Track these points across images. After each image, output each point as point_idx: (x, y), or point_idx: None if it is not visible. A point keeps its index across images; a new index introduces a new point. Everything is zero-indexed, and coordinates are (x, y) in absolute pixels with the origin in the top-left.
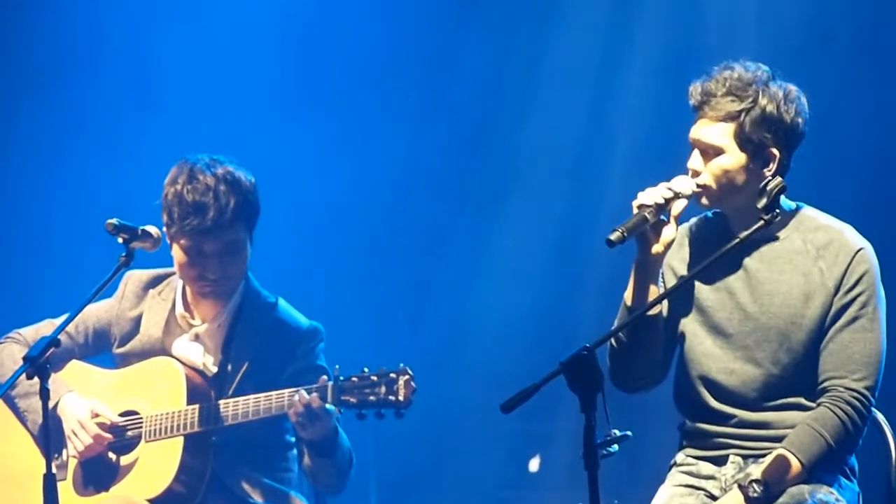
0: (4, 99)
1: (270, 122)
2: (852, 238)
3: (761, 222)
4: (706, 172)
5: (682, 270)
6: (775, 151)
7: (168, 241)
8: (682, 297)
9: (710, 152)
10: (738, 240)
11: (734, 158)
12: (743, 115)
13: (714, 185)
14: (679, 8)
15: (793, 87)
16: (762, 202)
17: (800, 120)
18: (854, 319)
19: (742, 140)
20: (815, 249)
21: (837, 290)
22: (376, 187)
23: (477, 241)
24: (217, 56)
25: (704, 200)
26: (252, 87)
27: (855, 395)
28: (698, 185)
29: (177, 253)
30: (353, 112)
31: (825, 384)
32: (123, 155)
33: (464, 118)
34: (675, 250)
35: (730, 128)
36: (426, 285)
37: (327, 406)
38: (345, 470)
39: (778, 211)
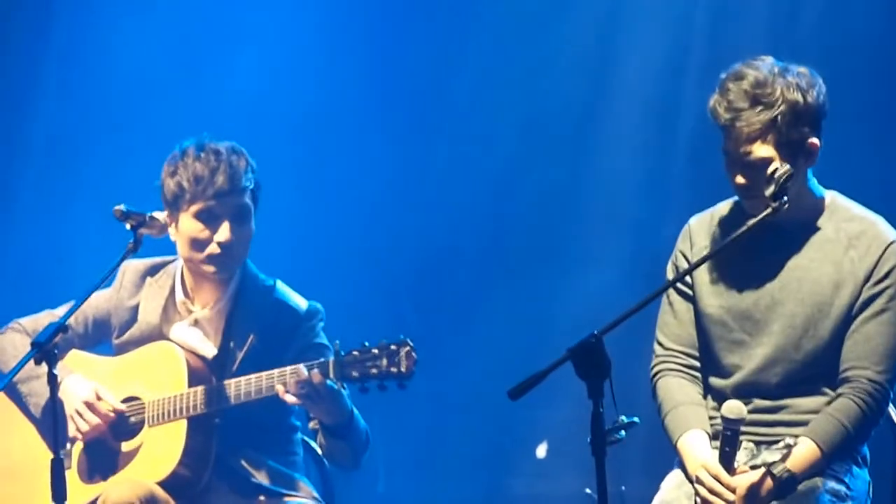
0: (6, 92)
1: (272, 102)
2: (885, 230)
3: (769, 210)
4: (755, 183)
5: (705, 277)
6: (814, 141)
7: (171, 223)
8: (709, 293)
9: (757, 165)
10: (745, 227)
11: (783, 163)
12: (778, 120)
13: (768, 194)
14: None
15: (803, 68)
16: (770, 190)
17: (822, 98)
18: (881, 312)
19: (784, 145)
20: (846, 239)
21: (867, 280)
22: (377, 170)
23: (488, 222)
24: (224, 52)
25: (757, 210)
26: (257, 73)
27: (877, 387)
28: (752, 196)
29: (186, 225)
30: (357, 94)
31: (847, 374)
32: (123, 148)
33: (469, 100)
34: (691, 249)
35: (769, 138)
36: (433, 269)
37: (328, 382)
38: (360, 451)
39: (786, 199)
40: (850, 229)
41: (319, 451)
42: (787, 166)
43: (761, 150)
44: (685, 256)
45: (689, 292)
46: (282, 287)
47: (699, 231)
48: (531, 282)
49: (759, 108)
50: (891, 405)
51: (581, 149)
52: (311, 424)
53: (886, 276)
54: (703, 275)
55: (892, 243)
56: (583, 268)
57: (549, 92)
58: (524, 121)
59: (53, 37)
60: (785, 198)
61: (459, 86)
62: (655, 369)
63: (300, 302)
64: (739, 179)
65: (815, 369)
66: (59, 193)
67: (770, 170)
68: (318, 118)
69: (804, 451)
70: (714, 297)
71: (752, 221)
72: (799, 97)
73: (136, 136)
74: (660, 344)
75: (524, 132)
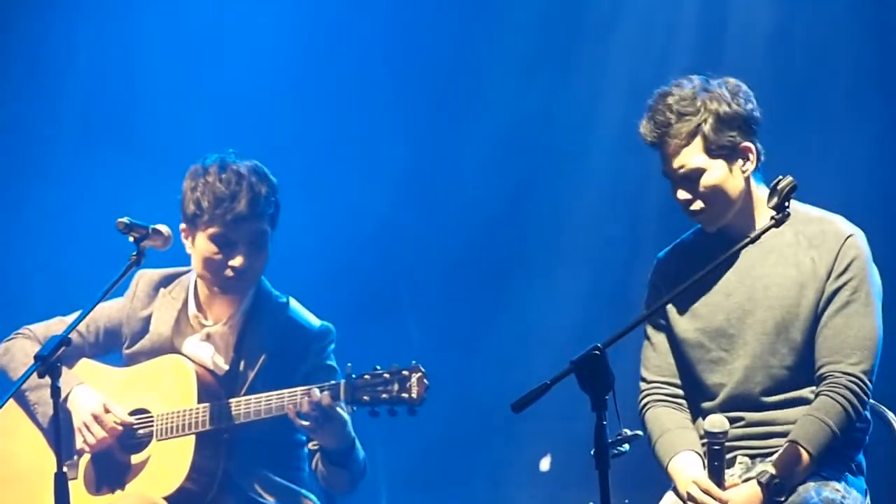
0: (18, 97)
1: (280, 121)
2: (842, 226)
3: (772, 221)
4: (697, 199)
5: (675, 303)
6: (748, 144)
7: (187, 237)
8: (682, 318)
9: (693, 176)
10: (748, 239)
11: (716, 170)
12: (702, 127)
13: (713, 205)
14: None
15: (731, 80)
16: (773, 201)
17: (751, 105)
18: (847, 304)
19: (713, 150)
20: (806, 240)
21: (829, 275)
22: (386, 188)
23: (491, 242)
24: (229, 55)
25: (710, 226)
26: (264, 87)
27: (852, 379)
28: (698, 211)
29: (202, 245)
30: (363, 112)
31: (822, 370)
32: (135, 154)
33: (477, 116)
34: (663, 281)
35: (697, 145)
36: (435, 285)
37: (338, 406)
38: (357, 479)
39: (789, 210)
40: (809, 231)
41: (317, 475)
42: (790, 178)
43: (693, 159)
44: (658, 290)
45: (663, 322)
46: (295, 305)
47: (668, 263)
48: (532, 295)
49: (684, 119)
50: (893, 416)
51: (578, 163)
52: (311, 445)
53: (847, 268)
54: (673, 302)
55: (849, 236)
56: (583, 280)
57: (540, 106)
58: (520, 138)
59: (55, 42)
60: (788, 210)
61: (452, 108)
62: (642, 402)
63: (313, 321)
64: (681, 195)
65: (796, 373)
66: (67, 201)
67: (746, 178)
68: (337, 133)
69: (789, 455)
70: (688, 322)
71: (754, 233)
72: (722, 105)
73: (144, 142)
74: (643, 379)
75: (521, 149)
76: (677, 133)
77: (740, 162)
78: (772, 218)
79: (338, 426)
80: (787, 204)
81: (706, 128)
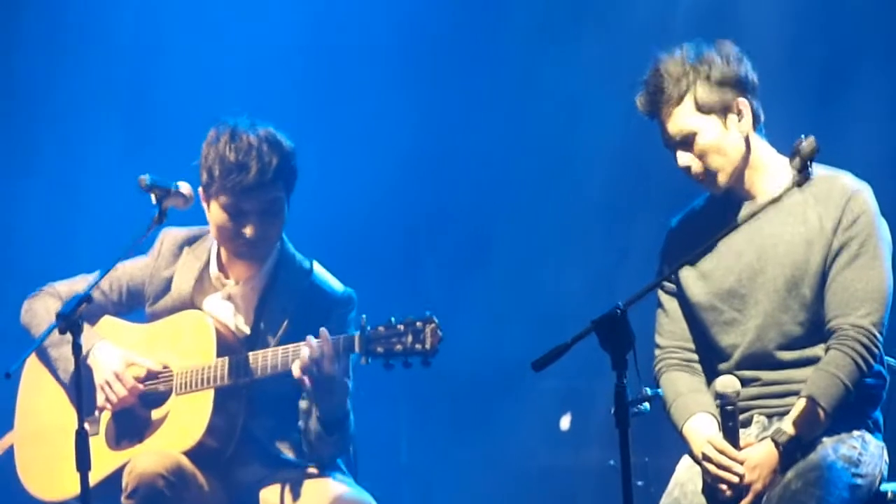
0: (40, 65)
1: (300, 86)
2: (848, 182)
3: (794, 182)
4: (696, 161)
5: (686, 267)
6: (741, 100)
7: (204, 202)
8: (694, 282)
9: (689, 140)
10: (770, 200)
11: (710, 128)
12: (692, 88)
13: (713, 165)
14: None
15: (725, 42)
16: (796, 162)
17: (744, 67)
18: (854, 258)
19: (705, 109)
20: (813, 197)
21: (835, 231)
22: (409, 153)
23: (512, 202)
24: (257, 27)
25: (715, 188)
26: (290, 58)
27: (861, 331)
28: (700, 173)
29: (215, 212)
30: (379, 82)
31: (831, 324)
32: (157, 118)
33: (499, 93)
34: (676, 247)
35: (688, 106)
36: (455, 246)
37: (353, 355)
38: (342, 450)
39: (811, 171)
40: (816, 188)
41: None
42: (812, 139)
43: (686, 120)
44: (671, 256)
45: (675, 288)
46: (318, 270)
47: (679, 230)
48: (553, 254)
49: (674, 83)
50: None
51: (592, 132)
52: (303, 404)
53: (854, 222)
54: (684, 267)
55: (855, 191)
56: (605, 238)
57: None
58: (529, 116)
59: (71, 7)
60: (810, 170)
61: (463, 85)
62: (657, 367)
63: (336, 286)
64: (682, 160)
65: (809, 330)
66: (88, 159)
67: (745, 136)
68: (362, 100)
69: (802, 410)
70: (699, 285)
71: (777, 194)
72: (713, 67)
73: (164, 102)
74: (657, 345)
75: (537, 119)
76: (669, 98)
77: (735, 119)
78: (794, 179)
79: (341, 391)
80: (809, 164)
81: (697, 88)
